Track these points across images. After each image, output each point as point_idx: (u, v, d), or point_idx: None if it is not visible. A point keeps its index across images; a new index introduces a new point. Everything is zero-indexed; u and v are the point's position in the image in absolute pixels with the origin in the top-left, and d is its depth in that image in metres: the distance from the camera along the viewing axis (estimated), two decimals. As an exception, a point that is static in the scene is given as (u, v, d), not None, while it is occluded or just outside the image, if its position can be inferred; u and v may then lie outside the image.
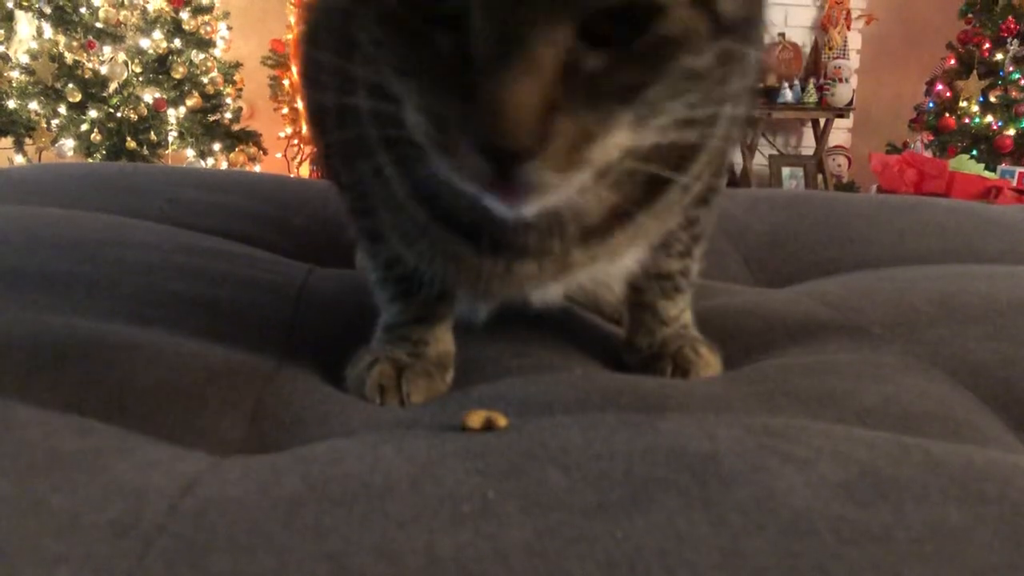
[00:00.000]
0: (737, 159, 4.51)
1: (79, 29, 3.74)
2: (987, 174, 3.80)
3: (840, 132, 4.64)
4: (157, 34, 3.89)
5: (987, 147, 4.07)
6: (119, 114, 3.80)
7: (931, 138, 4.34)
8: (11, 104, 3.58)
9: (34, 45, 3.73)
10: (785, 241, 1.10)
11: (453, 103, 0.42)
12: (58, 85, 3.70)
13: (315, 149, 0.71)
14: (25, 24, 3.76)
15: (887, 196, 1.22)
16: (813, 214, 1.16)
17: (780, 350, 0.76)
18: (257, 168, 4.26)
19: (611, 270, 0.68)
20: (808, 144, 4.66)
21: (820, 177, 4.58)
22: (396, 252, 0.68)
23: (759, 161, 4.56)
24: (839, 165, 4.58)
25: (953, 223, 1.16)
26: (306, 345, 0.71)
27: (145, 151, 3.87)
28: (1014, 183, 3.72)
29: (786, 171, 4.53)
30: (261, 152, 4.17)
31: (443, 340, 0.71)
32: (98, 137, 3.73)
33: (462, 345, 0.72)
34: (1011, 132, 4.01)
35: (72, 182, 1.05)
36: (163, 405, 0.54)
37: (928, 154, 4.22)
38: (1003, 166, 3.92)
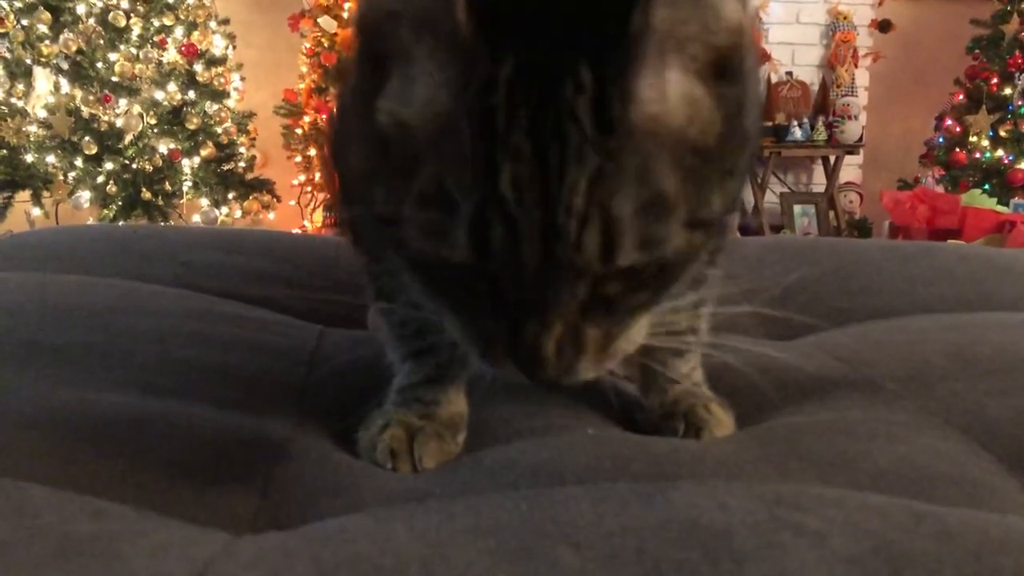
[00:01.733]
0: (748, 197, 4.52)
1: (95, 83, 3.81)
2: (1000, 208, 3.79)
3: (851, 168, 4.65)
4: (172, 86, 3.95)
5: (999, 181, 4.06)
6: (134, 165, 3.85)
7: (942, 173, 4.34)
8: (29, 158, 3.64)
9: (51, 100, 3.80)
10: (796, 292, 1.09)
11: (492, 330, 0.47)
12: (74, 138, 3.76)
13: (331, 198, 0.72)
14: (43, 79, 3.84)
15: (897, 243, 1.22)
16: (823, 263, 1.16)
17: (793, 407, 0.76)
18: (271, 215, 4.30)
19: None
20: (819, 181, 4.66)
21: (832, 214, 4.58)
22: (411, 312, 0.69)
23: (770, 199, 4.57)
24: (851, 201, 4.58)
25: (964, 270, 1.15)
26: (318, 410, 0.71)
27: (160, 201, 3.92)
28: (1028, 217, 3.71)
29: (798, 208, 4.53)
30: (275, 200, 4.20)
31: (456, 401, 0.71)
32: (114, 189, 3.78)
33: (474, 404, 0.72)
34: (1022, 166, 4.01)
35: (87, 246, 1.07)
36: (176, 482, 0.54)
37: (940, 189, 4.21)
38: (1016, 200, 3.91)
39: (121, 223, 3.80)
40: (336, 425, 0.68)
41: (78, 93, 3.83)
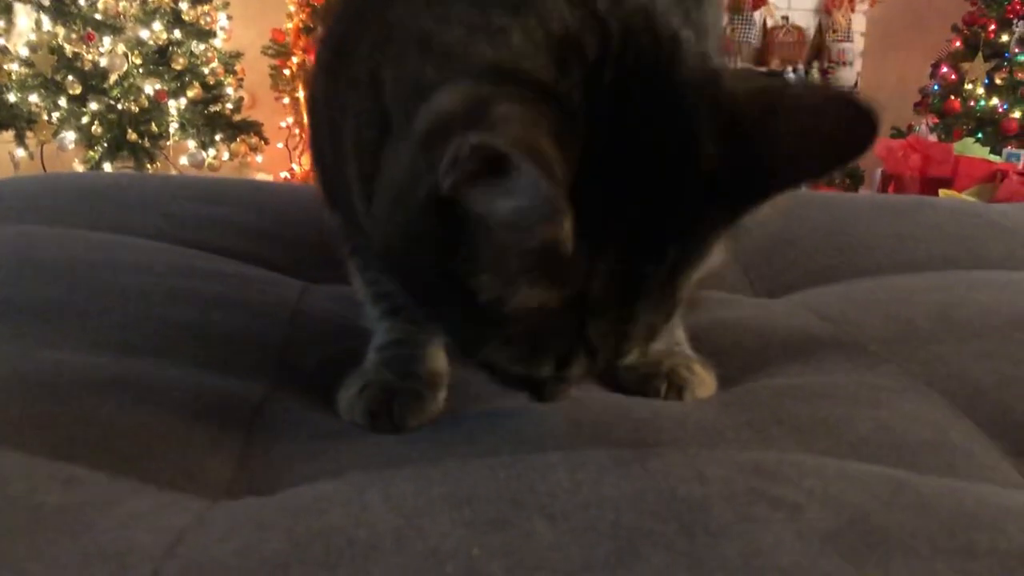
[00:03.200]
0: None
1: (78, 21, 3.73)
2: (992, 158, 3.78)
3: (844, 115, 4.60)
4: (157, 25, 3.87)
5: (993, 130, 4.04)
6: (120, 106, 3.79)
7: (936, 121, 4.30)
8: (11, 97, 3.58)
9: (33, 37, 3.72)
10: (784, 248, 1.09)
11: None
12: (58, 77, 3.69)
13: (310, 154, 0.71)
14: (24, 16, 3.75)
15: (887, 197, 1.22)
16: (812, 219, 1.15)
17: (776, 368, 0.75)
18: (259, 158, 4.26)
19: None
20: (812, 128, 4.62)
21: (824, 161, 4.54)
22: None
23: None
24: (844, 149, 4.55)
25: (954, 226, 1.15)
26: (298, 370, 0.70)
27: (146, 143, 3.87)
28: (1020, 166, 3.69)
29: (790, 155, 4.49)
30: (263, 142, 4.16)
31: (435, 358, 0.70)
32: (99, 129, 3.72)
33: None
34: (1017, 114, 3.98)
35: (68, 197, 1.05)
36: (151, 447, 0.53)
37: (933, 137, 4.18)
38: (1009, 149, 3.89)
39: (107, 168, 3.75)
40: (316, 384, 0.68)
41: (61, 31, 3.75)
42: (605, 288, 0.49)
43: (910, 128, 4.39)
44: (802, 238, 1.11)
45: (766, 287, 1.03)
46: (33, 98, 3.65)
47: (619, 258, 0.48)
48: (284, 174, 4.24)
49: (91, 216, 0.98)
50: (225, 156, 4.14)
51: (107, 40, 3.76)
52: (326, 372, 0.70)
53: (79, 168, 3.76)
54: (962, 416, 0.65)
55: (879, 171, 4.07)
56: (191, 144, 4.01)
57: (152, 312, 0.71)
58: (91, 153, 3.79)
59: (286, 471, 0.54)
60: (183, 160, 4.02)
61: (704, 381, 0.73)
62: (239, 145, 4.19)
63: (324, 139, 0.65)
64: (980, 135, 4.06)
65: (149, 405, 0.57)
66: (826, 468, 0.51)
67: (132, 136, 3.81)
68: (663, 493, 0.46)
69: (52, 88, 3.68)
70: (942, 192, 3.51)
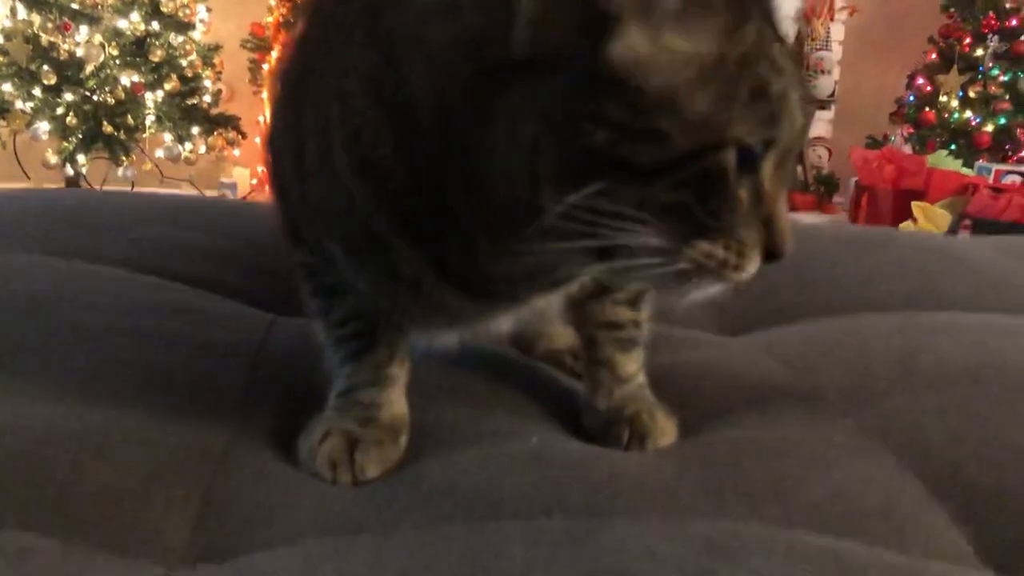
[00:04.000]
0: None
1: (54, 10, 3.69)
2: (964, 171, 3.82)
3: (821, 123, 4.64)
4: (135, 16, 3.84)
5: (966, 142, 4.09)
6: (95, 97, 3.75)
7: (911, 131, 4.35)
8: (-16, 86, 3.54)
9: (8, 25, 3.68)
10: (751, 282, 1.10)
11: (745, 228, 0.53)
12: (32, 67, 3.65)
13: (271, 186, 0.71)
14: (-1, 3, 3.70)
15: (853, 231, 1.23)
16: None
17: (736, 418, 0.76)
18: (236, 152, 4.23)
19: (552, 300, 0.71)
20: (790, 135, 4.65)
21: (800, 168, 4.59)
22: (353, 307, 0.69)
23: (740, 151, 4.55)
24: (820, 157, 4.59)
25: (919, 263, 1.16)
26: (261, 413, 0.71)
27: (122, 135, 3.84)
28: (990, 180, 3.74)
29: (767, 162, 4.52)
30: (240, 136, 4.13)
31: (396, 403, 0.71)
32: (74, 121, 3.69)
33: (423, 406, 0.72)
34: (989, 128, 4.03)
35: (33, 218, 1.04)
36: (107, 509, 0.53)
37: (908, 148, 4.23)
38: (980, 162, 3.94)
39: (80, 160, 3.71)
40: (279, 430, 0.68)
41: (36, 19, 3.71)
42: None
43: (886, 138, 4.44)
44: (767, 274, 1.11)
45: (730, 324, 1.04)
46: (7, 87, 3.61)
47: None
48: (261, 168, 4.20)
49: (57, 241, 0.97)
50: (202, 149, 4.12)
51: (84, 30, 3.72)
52: (289, 416, 0.70)
53: (52, 159, 3.73)
54: (912, 477, 0.66)
55: (853, 180, 4.11)
56: (167, 137, 3.97)
57: (115, 355, 0.71)
58: (65, 144, 3.76)
59: (244, 534, 0.54)
60: (159, 153, 3.99)
61: (665, 430, 0.74)
62: (216, 139, 4.16)
63: (288, 168, 0.65)
64: (953, 147, 4.11)
65: (107, 462, 0.57)
66: (775, 545, 0.52)
67: (107, 128, 3.77)
68: (615, 571, 0.47)
69: (26, 77, 3.64)
70: (914, 206, 3.55)
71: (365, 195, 0.58)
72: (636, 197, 0.49)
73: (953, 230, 3.49)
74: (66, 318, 0.76)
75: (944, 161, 3.83)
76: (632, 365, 0.77)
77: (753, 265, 0.55)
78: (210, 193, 4.00)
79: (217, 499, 0.57)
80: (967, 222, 3.49)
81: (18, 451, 0.56)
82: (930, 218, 3.55)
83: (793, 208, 4.42)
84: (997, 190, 3.53)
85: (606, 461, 0.66)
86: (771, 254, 0.55)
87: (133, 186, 3.91)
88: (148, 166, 4.01)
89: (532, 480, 0.60)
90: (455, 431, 0.71)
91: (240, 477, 0.60)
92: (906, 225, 3.56)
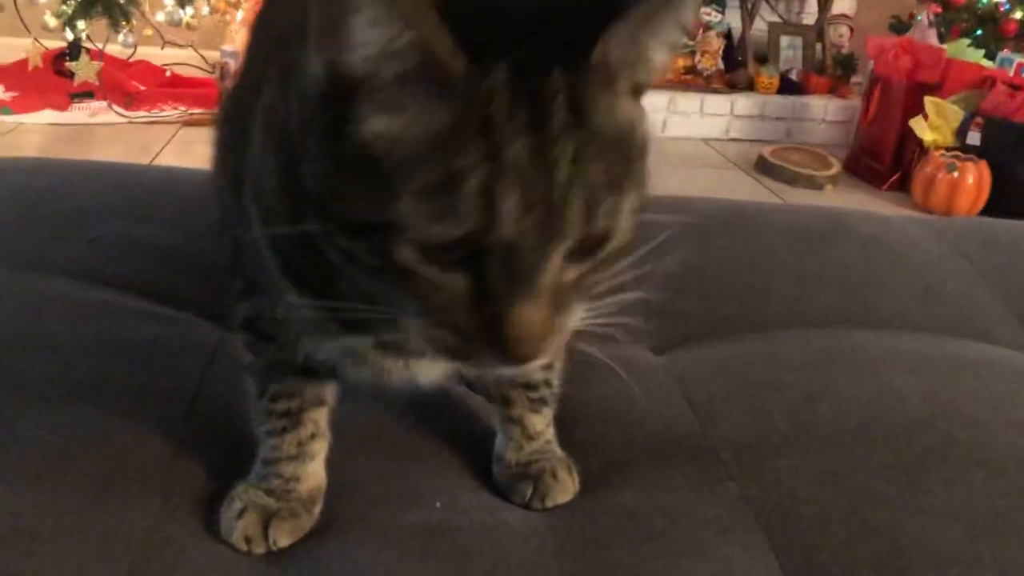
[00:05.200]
0: (736, 25, 4.37)
1: None
2: (985, 63, 3.71)
3: (844, 0, 4.46)
4: None
5: (992, 29, 3.93)
6: (93, -40, 3.66)
7: (939, 11, 4.18)
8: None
9: None
10: (688, 288, 1.13)
11: (463, 323, 0.51)
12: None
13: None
14: None
15: (808, 223, 1.25)
16: (721, 250, 1.20)
17: (632, 474, 0.83)
18: (239, 15, 4.13)
19: None
20: (811, 11, 4.49)
21: (819, 47, 4.45)
22: (286, 387, 0.75)
23: (759, 27, 4.42)
24: (840, 35, 4.44)
25: (860, 265, 1.20)
26: (188, 479, 0.76)
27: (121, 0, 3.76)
28: (1011, 74, 3.63)
29: (784, 40, 4.40)
30: None
31: (314, 476, 0.77)
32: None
33: (342, 460, 0.79)
34: (1018, 15, 3.87)
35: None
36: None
37: (932, 31, 4.07)
38: (1003, 53, 3.80)
39: (80, 26, 3.65)
40: (207, 492, 0.75)
41: None
42: (506, 107, 0.48)
43: (911, 17, 4.27)
44: (708, 278, 1.15)
45: (661, 335, 1.08)
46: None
47: (511, 76, 0.48)
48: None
49: (13, 245, 1.02)
50: (205, 11, 4.04)
51: None
52: (217, 475, 0.77)
53: (51, 23, 3.67)
54: (772, 561, 0.73)
55: (870, 66, 3.99)
56: (168, 1, 3.90)
57: (56, 417, 0.77)
58: (64, 7, 3.70)
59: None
60: (159, 17, 3.92)
61: (566, 487, 0.81)
62: (219, 1, 4.07)
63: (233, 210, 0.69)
64: (979, 33, 3.96)
65: (39, 561, 0.64)
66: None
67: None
68: None
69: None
70: (927, 101, 3.48)
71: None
72: (346, 249, 0.52)
73: (963, 130, 3.43)
74: (12, 368, 0.82)
75: (964, 52, 3.71)
76: (541, 424, 0.83)
77: (484, 360, 0.53)
78: (212, 57, 3.97)
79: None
80: (979, 120, 3.42)
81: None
82: (942, 114, 3.48)
83: (807, 91, 4.32)
84: (1015, 87, 3.44)
85: (494, 543, 0.73)
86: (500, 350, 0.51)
87: (135, 51, 3.88)
88: (149, 31, 3.96)
89: (428, 570, 0.68)
90: (367, 489, 0.78)
91: (157, 564, 0.67)
92: (917, 121, 3.50)
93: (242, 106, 0.68)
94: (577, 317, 0.55)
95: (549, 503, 0.80)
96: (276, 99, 0.60)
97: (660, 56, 0.53)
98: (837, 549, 0.74)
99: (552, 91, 0.49)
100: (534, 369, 0.54)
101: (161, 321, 0.96)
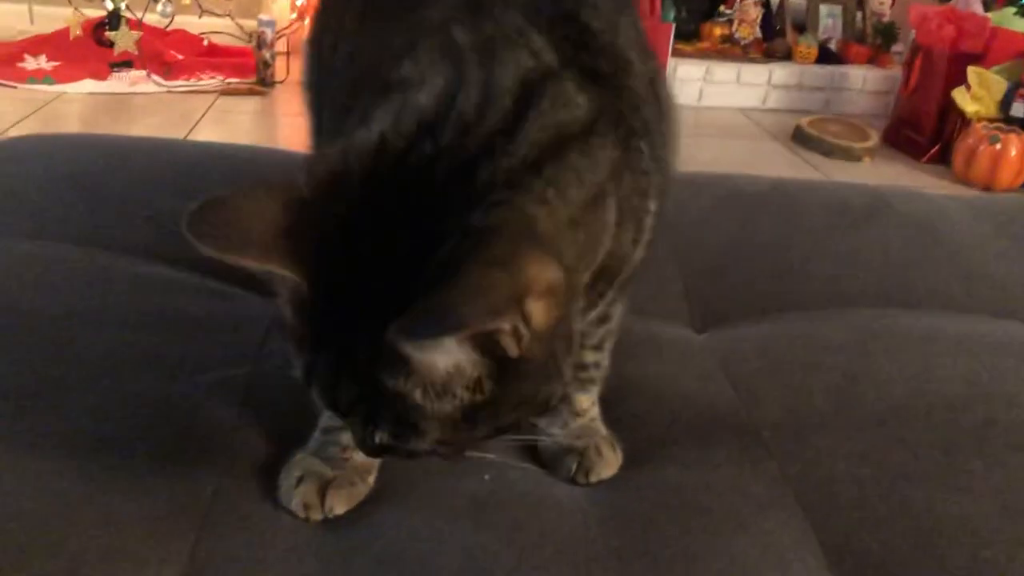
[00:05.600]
0: (773, -7, 4.30)
1: None
2: (1031, 32, 3.63)
3: (887, -34, 4.37)
4: None
5: (1040, -4, 3.83)
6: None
7: (983, -23, 4.08)
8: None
9: None
10: (729, 267, 1.15)
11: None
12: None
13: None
14: None
15: (847, 197, 1.25)
16: (761, 231, 1.20)
17: (677, 450, 0.85)
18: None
19: None
20: (852, -22, 4.41)
21: (860, 16, 4.38)
22: None
23: (798, -4, 4.35)
24: (881, 3, 4.36)
25: (901, 244, 1.20)
26: (249, 447, 0.80)
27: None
28: (1058, 43, 3.55)
29: (824, 8, 4.33)
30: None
31: None
32: (110, -40, 3.62)
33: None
34: (1066, -17, 3.77)
35: (49, 188, 1.11)
36: (116, 570, 0.65)
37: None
38: (1051, 22, 3.71)
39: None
40: (267, 462, 0.79)
41: None
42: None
43: (956, -20, 4.17)
44: (749, 257, 1.17)
45: (702, 314, 1.10)
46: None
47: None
48: None
49: (73, 221, 1.05)
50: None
51: None
52: (277, 441, 0.81)
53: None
54: (812, 539, 0.75)
55: (912, 35, 3.92)
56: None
57: (122, 388, 0.81)
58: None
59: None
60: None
61: (610, 463, 0.84)
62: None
63: None
64: (1023, 2, 3.86)
65: (110, 526, 0.68)
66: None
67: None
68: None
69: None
70: (970, 71, 3.42)
71: None
72: None
73: (1007, 101, 3.38)
74: (80, 341, 0.85)
75: (1010, 20, 3.62)
76: (588, 402, 0.85)
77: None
78: (249, 26, 3.99)
79: (201, 556, 0.69)
80: (1023, 91, 3.37)
81: (31, 514, 0.68)
82: (984, 84, 3.42)
83: (846, 60, 4.26)
84: (1062, 57, 3.37)
85: (541, 515, 0.76)
86: None
87: (173, 20, 3.91)
88: (187, 0, 3.99)
89: (470, 544, 0.71)
90: (417, 465, 0.81)
91: (223, 529, 0.71)
92: (959, 92, 3.44)
93: None
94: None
95: (593, 478, 0.82)
96: None
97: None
98: (876, 526, 0.76)
99: (357, 351, 0.56)
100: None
101: (217, 296, 0.99)
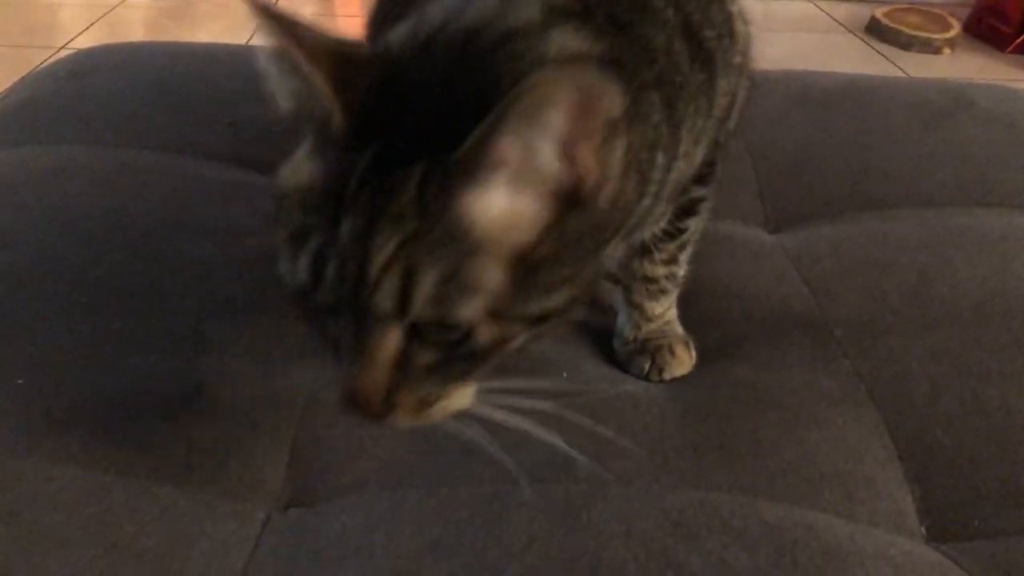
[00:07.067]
0: None
1: None
2: None
3: None
4: None
5: None
6: None
7: None
8: None
9: None
10: (804, 166, 1.14)
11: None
12: None
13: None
14: None
15: (927, 94, 1.22)
16: (838, 130, 1.19)
17: (750, 348, 0.87)
18: None
19: None
20: None
21: None
22: None
23: None
24: None
25: (982, 142, 1.17)
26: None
27: None
28: None
29: None
30: None
31: None
32: None
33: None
34: None
35: (135, 97, 1.15)
36: (223, 459, 0.71)
37: None
38: None
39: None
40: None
41: None
42: (358, 184, 0.51)
43: None
44: (824, 155, 1.15)
45: (777, 215, 1.10)
46: None
47: (377, 160, 0.51)
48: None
49: (157, 129, 1.09)
50: None
51: None
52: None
53: None
54: (884, 434, 0.77)
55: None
56: None
57: (219, 292, 0.85)
58: None
59: (321, 481, 0.71)
60: None
61: (683, 362, 0.86)
62: None
63: None
64: None
65: (220, 414, 0.73)
66: (732, 520, 0.66)
67: None
68: (591, 558, 0.62)
69: None
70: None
71: None
72: None
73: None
74: (176, 248, 0.90)
75: None
76: (659, 308, 0.88)
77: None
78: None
79: (301, 445, 0.74)
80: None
81: (155, 406, 0.73)
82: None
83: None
84: None
85: (618, 412, 0.79)
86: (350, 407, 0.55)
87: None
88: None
89: (548, 446, 0.74)
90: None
91: (321, 421, 0.76)
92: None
93: None
94: (466, 394, 0.59)
95: (667, 376, 0.85)
96: None
97: (550, 159, 0.50)
98: (949, 423, 0.78)
99: (402, 181, 0.50)
100: (404, 426, 0.57)
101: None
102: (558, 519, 0.66)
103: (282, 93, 0.56)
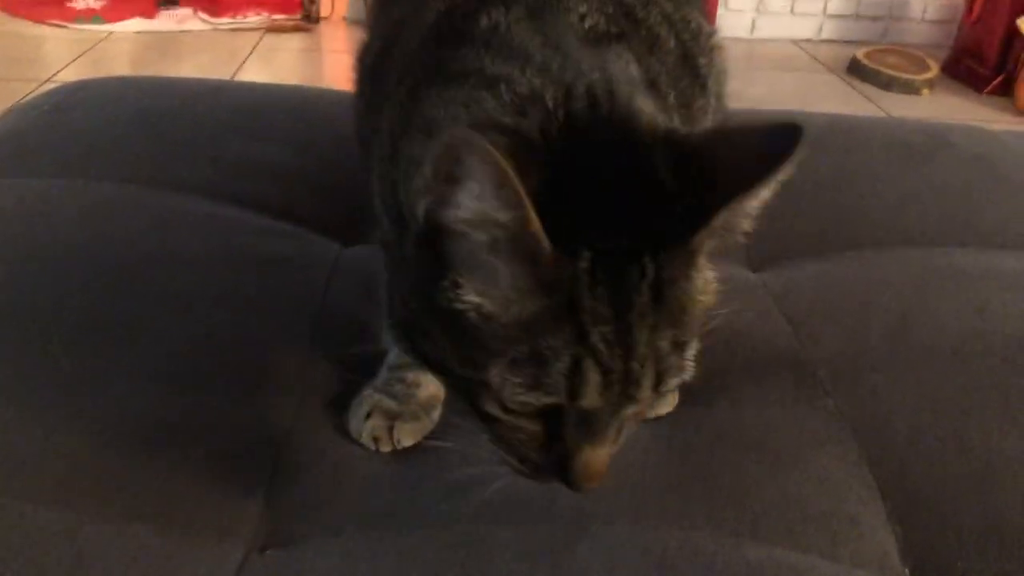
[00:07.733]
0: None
1: None
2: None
3: None
4: None
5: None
6: None
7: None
8: None
9: None
10: (787, 205, 1.13)
11: (535, 456, 0.60)
12: None
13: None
14: None
15: (908, 133, 1.24)
16: (824, 166, 1.20)
17: (734, 389, 0.86)
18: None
19: None
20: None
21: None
22: None
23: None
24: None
25: (961, 183, 1.19)
26: (320, 384, 0.83)
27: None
28: None
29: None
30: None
31: (434, 382, 0.83)
32: None
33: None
34: None
35: (118, 131, 1.15)
36: (201, 497, 0.70)
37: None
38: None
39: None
40: (335, 399, 0.82)
41: None
42: (592, 293, 0.52)
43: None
44: (808, 194, 1.16)
45: (759, 252, 1.11)
46: None
47: (598, 263, 0.52)
48: None
49: (141, 165, 1.08)
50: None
51: None
52: (347, 378, 0.84)
53: None
54: (866, 472, 0.77)
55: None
56: None
57: (198, 326, 0.85)
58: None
59: (299, 523, 0.70)
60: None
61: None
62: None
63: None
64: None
65: (200, 452, 0.72)
66: (715, 560, 0.66)
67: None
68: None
69: None
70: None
71: None
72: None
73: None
74: (156, 282, 0.89)
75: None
76: None
77: (545, 481, 0.61)
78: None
79: (279, 485, 0.73)
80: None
81: (132, 444, 0.72)
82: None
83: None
84: None
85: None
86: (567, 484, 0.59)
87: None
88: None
89: (528, 484, 0.73)
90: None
91: (298, 462, 0.75)
92: (1024, 21, 3.33)
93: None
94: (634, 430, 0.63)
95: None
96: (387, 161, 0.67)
97: (747, 225, 0.58)
98: (931, 463, 0.78)
99: (638, 277, 0.53)
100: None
101: (283, 236, 1.02)
102: (540, 560, 0.65)
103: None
